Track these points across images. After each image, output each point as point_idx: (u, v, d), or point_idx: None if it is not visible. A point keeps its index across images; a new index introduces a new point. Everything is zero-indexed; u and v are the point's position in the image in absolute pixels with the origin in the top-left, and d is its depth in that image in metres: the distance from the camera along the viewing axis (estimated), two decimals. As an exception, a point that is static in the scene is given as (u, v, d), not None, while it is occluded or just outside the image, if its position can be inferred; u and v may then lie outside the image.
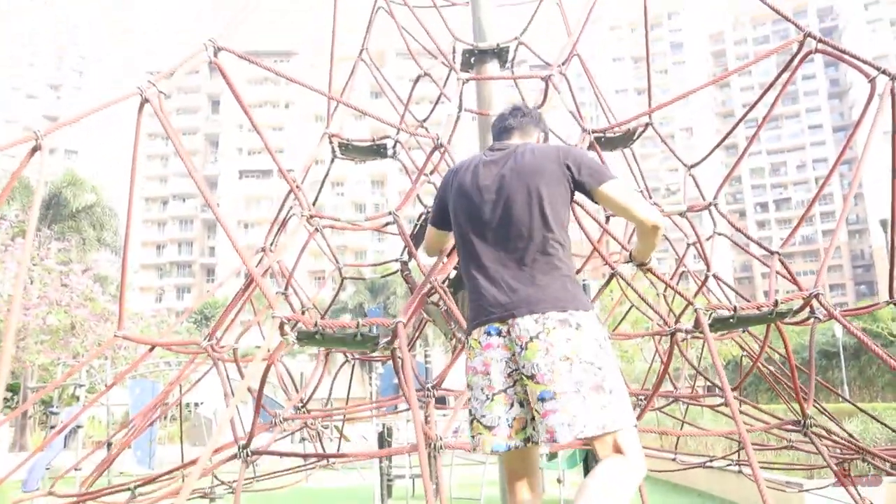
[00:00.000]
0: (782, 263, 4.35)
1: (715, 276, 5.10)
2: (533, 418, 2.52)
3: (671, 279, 5.96)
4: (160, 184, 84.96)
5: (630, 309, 7.18)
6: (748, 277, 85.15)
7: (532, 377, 2.44)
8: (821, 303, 3.28)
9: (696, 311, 3.29)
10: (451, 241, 3.04)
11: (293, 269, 4.87)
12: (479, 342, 2.58)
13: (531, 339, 2.46)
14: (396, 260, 5.03)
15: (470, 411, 2.62)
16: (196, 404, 23.00)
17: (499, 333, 2.55)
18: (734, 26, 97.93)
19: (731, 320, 3.36)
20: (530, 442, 2.55)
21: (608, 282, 4.64)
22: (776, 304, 3.31)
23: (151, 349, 3.96)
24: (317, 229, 3.96)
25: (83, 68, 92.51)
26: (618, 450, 2.39)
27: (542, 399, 2.41)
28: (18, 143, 3.14)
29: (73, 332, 23.47)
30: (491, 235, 2.64)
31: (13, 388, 24.78)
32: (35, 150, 2.94)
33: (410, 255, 4.57)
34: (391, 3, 5.22)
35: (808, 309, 3.44)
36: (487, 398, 2.55)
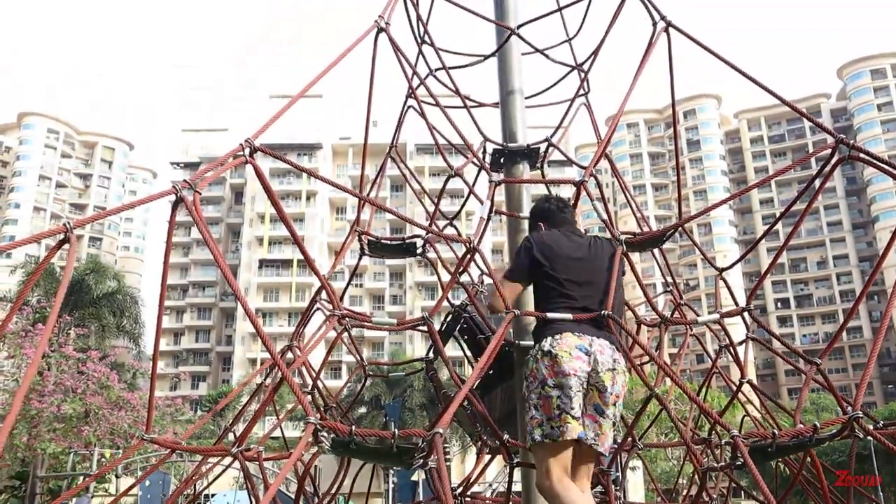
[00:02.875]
0: (822, 375, 4.22)
1: (750, 383, 4.96)
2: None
3: (704, 382, 5.81)
4: (181, 272, 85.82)
5: (658, 415, 6.96)
6: (771, 374, 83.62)
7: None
8: (861, 426, 3.15)
9: (733, 438, 3.16)
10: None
11: (321, 368, 4.80)
12: (571, 354, 3.34)
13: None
14: (422, 359, 4.98)
15: (559, 406, 3.27)
16: (207, 496, 22.48)
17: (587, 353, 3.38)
18: (749, 125, 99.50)
19: (770, 450, 3.23)
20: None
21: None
22: (815, 429, 3.18)
23: (171, 452, 3.86)
24: (345, 329, 3.90)
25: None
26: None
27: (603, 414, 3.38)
28: (49, 235, 3.14)
29: (87, 420, 23.22)
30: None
31: (21, 476, 24.35)
32: (64, 241, 2.93)
33: (437, 354, 4.50)
34: (421, 102, 5.30)
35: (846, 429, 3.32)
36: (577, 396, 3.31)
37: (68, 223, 2.85)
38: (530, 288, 3.75)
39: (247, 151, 3.35)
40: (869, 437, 3.37)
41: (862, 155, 3.73)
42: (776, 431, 3.25)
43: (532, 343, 3.60)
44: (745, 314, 4.47)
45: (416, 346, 64.30)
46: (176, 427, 28.46)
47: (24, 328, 21.92)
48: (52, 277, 28.20)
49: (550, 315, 3.47)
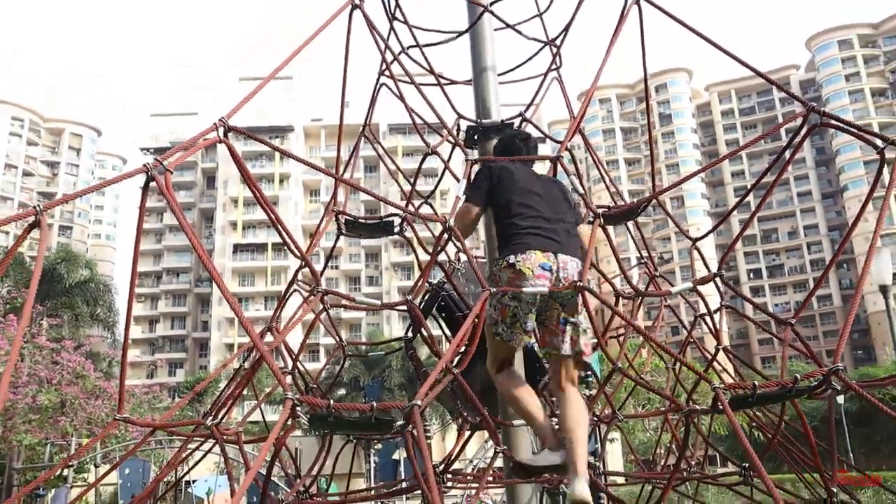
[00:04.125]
0: (796, 334, 4.30)
1: (725, 350, 5.03)
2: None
3: (680, 352, 5.89)
4: (154, 259, 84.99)
5: (634, 388, 7.06)
6: (745, 344, 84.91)
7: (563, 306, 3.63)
8: (842, 378, 3.21)
9: (714, 389, 3.22)
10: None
11: (300, 349, 4.79)
12: (533, 272, 3.57)
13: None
14: (401, 339, 5.00)
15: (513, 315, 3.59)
16: (188, 482, 22.42)
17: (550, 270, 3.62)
18: (720, 98, 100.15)
19: (751, 399, 3.29)
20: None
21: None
22: (796, 381, 3.25)
23: (152, 431, 3.84)
24: (325, 308, 3.89)
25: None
26: None
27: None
28: (17, 219, 3.09)
29: (63, 410, 23.03)
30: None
31: (-3, 469, 24.13)
32: (34, 225, 2.88)
33: (416, 333, 4.53)
34: (395, 80, 5.26)
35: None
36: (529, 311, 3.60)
37: (38, 206, 2.80)
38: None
39: (220, 131, 3.31)
40: (841, 403, 3.43)
41: (833, 122, 3.77)
42: (756, 383, 3.31)
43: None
44: (718, 280, 4.52)
45: (394, 327, 64.26)
46: (154, 414, 28.31)
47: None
48: (20, 267, 27.77)
49: (516, 228, 3.70)
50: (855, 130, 3.79)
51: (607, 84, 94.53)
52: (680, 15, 4.52)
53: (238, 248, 78.57)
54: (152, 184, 3.13)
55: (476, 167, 4.10)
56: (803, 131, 3.94)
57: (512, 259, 3.60)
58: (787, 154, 4.31)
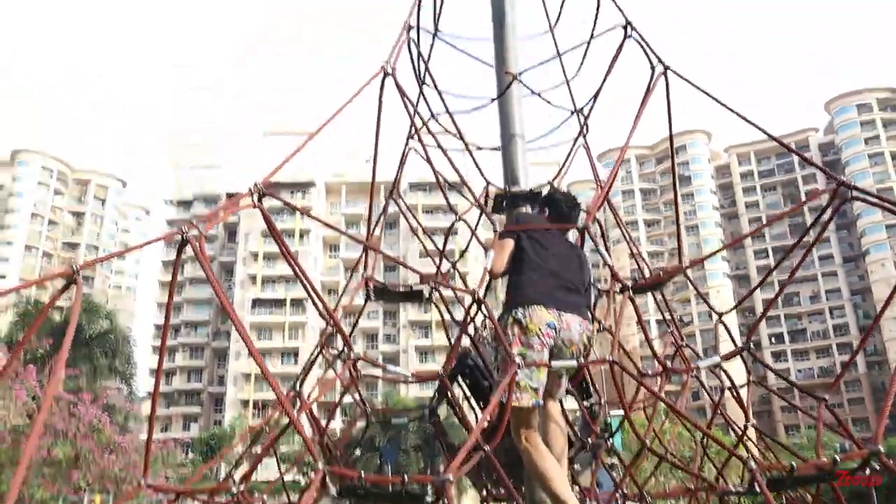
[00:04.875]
0: (830, 411, 4.20)
1: (755, 427, 4.93)
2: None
3: (707, 425, 5.77)
4: (173, 312, 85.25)
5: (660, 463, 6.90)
6: (767, 411, 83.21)
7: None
8: (883, 461, 3.12)
9: (751, 471, 3.14)
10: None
11: (330, 415, 4.74)
12: (541, 330, 3.69)
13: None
14: (425, 407, 4.95)
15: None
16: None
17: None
18: (739, 160, 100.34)
19: (788, 481, 3.21)
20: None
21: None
22: (835, 462, 3.16)
23: (177, 498, 3.79)
24: (353, 378, 3.87)
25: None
26: None
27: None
28: (55, 277, 3.12)
29: (77, 464, 22.82)
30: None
31: (9, 524, 23.84)
32: (70, 283, 2.91)
33: (441, 402, 4.49)
34: (423, 144, 5.32)
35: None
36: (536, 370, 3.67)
37: (74, 265, 2.83)
38: None
39: (255, 197, 3.35)
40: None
41: (865, 196, 3.75)
42: (794, 464, 3.23)
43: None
44: (745, 353, 4.46)
45: (411, 387, 63.75)
46: (168, 470, 28.02)
47: (14, 369, 21.62)
48: (45, 318, 27.90)
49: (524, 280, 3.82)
50: (887, 205, 3.76)
51: (628, 145, 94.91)
52: (700, 76, 4.58)
53: (256, 303, 78.63)
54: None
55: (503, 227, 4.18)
56: (833, 206, 3.92)
57: (518, 314, 3.71)
58: (818, 225, 4.28)
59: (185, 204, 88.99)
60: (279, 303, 78.27)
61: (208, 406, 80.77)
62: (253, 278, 79.65)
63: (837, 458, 3.17)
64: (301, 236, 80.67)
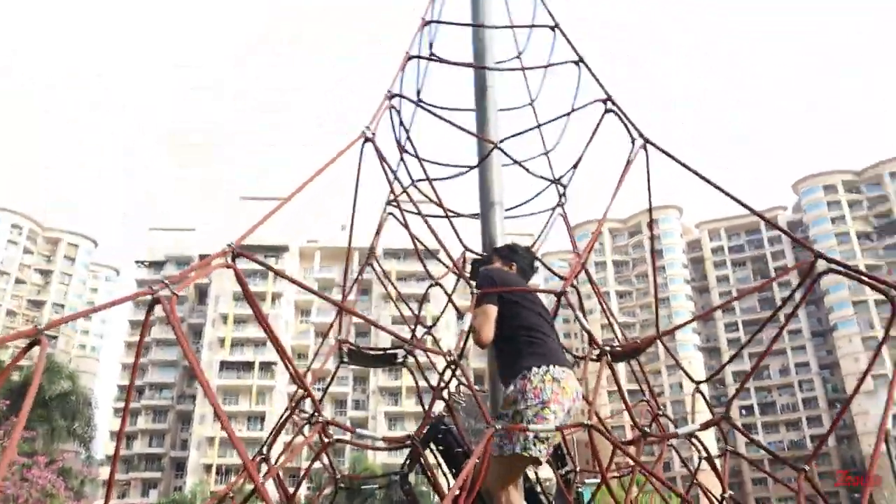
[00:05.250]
0: (810, 482, 4.14)
1: (732, 498, 4.84)
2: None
3: (687, 493, 5.67)
4: (138, 373, 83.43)
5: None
6: (738, 482, 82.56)
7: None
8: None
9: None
10: None
11: (300, 481, 4.58)
12: (569, 394, 3.65)
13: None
14: (396, 473, 4.81)
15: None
16: None
17: None
18: (710, 235, 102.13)
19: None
20: None
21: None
22: (816, 539, 3.10)
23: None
24: (328, 442, 3.75)
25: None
26: None
27: None
28: (19, 337, 3.00)
29: (29, 532, 21.90)
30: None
31: None
32: (33, 344, 2.81)
33: (412, 470, 4.36)
34: (402, 210, 5.31)
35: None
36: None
37: (39, 324, 2.74)
38: None
39: (229, 258, 3.29)
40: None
41: (841, 269, 3.79)
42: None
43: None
44: (722, 423, 4.41)
45: (379, 454, 62.62)
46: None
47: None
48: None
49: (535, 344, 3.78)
50: (864, 278, 3.79)
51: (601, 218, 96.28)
52: (673, 152, 4.63)
53: (224, 365, 77.22)
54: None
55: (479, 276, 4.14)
56: (811, 278, 3.95)
57: (558, 373, 3.63)
58: (796, 297, 4.30)
59: (157, 265, 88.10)
60: (248, 366, 77.02)
61: (169, 471, 78.39)
62: (221, 341, 78.46)
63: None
64: (273, 300, 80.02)
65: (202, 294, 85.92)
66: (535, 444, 3.56)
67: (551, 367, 3.65)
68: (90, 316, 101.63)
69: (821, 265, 3.88)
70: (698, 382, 5.15)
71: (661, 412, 5.37)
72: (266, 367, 75.31)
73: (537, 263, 5.08)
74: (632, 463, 4.54)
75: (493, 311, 3.85)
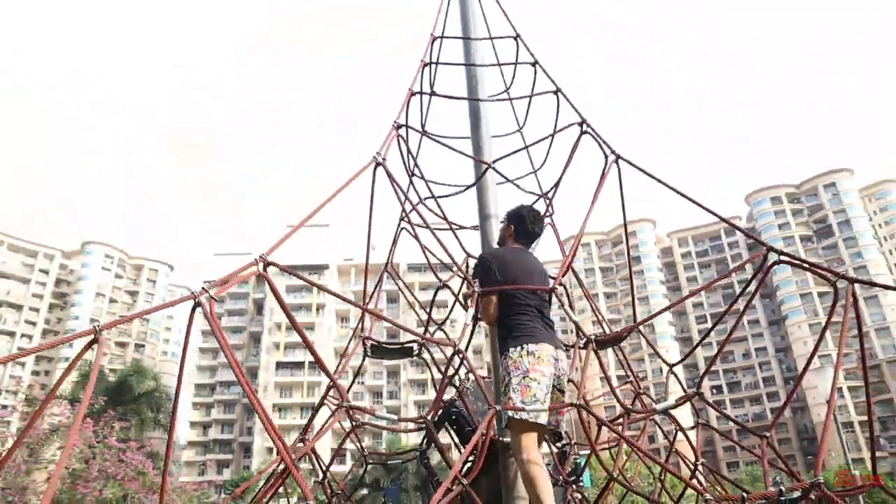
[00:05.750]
0: (772, 448, 3.93)
1: (704, 464, 4.63)
2: None
3: (665, 463, 5.45)
4: (210, 373, 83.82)
5: (625, 496, 6.51)
6: (711, 451, 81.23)
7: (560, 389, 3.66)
8: (823, 492, 2.86)
9: (706, 501, 2.86)
10: None
11: (332, 458, 4.43)
12: (547, 360, 3.54)
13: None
14: (416, 449, 4.65)
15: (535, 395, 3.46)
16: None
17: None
18: (679, 243, 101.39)
19: (740, 511, 2.93)
20: None
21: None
22: (781, 493, 2.89)
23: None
24: (356, 425, 3.60)
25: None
26: None
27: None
28: (81, 336, 2.85)
29: (125, 503, 21.92)
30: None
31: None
32: (93, 342, 2.67)
33: (430, 445, 4.20)
34: (413, 225, 5.16)
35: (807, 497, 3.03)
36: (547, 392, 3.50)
37: (97, 325, 2.61)
38: None
39: (260, 266, 3.16)
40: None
41: (790, 259, 3.61)
42: (744, 495, 2.95)
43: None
44: (696, 399, 4.21)
45: (411, 435, 62.29)
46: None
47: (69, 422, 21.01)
48: (100, 378, 27.25)
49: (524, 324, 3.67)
50: (811, 267, 3.61)
51: (588, 231, 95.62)
52: (643, 166, 4.45)
53: (279, 365, 77.51)
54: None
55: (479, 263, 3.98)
56: (763, 269, 3.76)
57: (530, 347, 3.58)
58: (752, 287, 4.10)
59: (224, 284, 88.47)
60: (298, 365, 77.14)
61: (238, 454, 78.38)
62: (277, 345, 78.66)
63: (783, 488, 2.90)
64: (317, 310, 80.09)
65: (259, 307, 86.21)
66: (529, 412, 3.42)
67: (526, 344, 3.58)
68: (168, 328, 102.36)
69: (772, 257, 3.69)
70: (672, 364, 4.94)
71: (642, 392, 5.17)
72: (314, 365, 75.20)
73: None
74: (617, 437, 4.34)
75: (491, 300, 3.82)
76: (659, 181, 4.19)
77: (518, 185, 5.34)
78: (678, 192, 4.12)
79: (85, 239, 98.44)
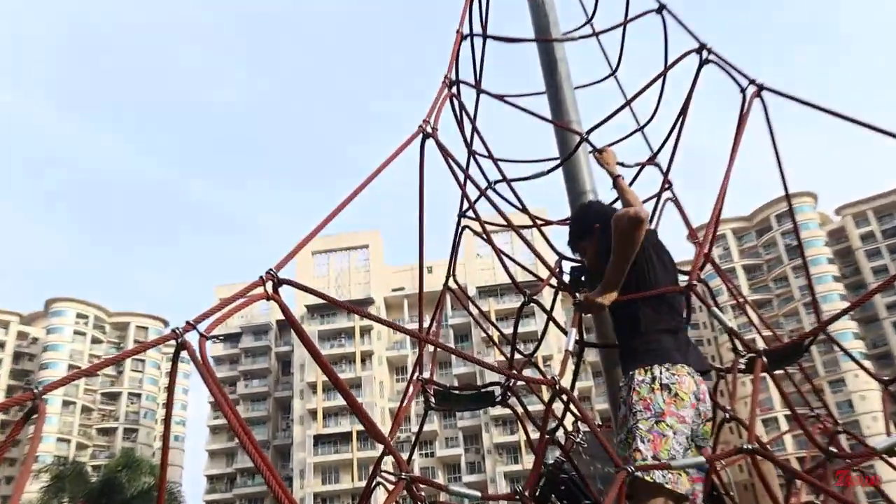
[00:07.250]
0: None
1: None
2: None
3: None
4: (227, 460, 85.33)
5: None
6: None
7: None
8: None
9: None
10: None
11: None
12: (687, 400, 3.28)
13: None
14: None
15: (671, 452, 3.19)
16: None
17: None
18: (856, 221, 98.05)
19: None
20: None
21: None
22: None
23: None
24: (414, 499, 3.44)
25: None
26: None
27: None
28: (15, 403, 2.71)
29: None
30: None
31: None
32: (30, 413, 2.52)
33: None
34: (480, 220, 4.99)
35: None
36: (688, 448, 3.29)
37: (36, 388, 2.50)
38: None
39: (269, 286, 3.02)
40: None
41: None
42: None
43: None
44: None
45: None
46: None
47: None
48: (80, 478, 28.04)
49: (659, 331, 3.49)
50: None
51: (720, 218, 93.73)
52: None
53: (319, 440, 77.80)
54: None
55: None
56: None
57: (666, 379, 3.33)
58: None
59: (234, 337, 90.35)
60: (345, 437, 77.22)
61: (271, 517, 79.31)
62: (313, 413, 79.20)
63: None
64: (363, 360, 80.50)
65: (285, 364, 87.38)
66: (665, 473, 3.18)
67: (654, 367, 3.36)
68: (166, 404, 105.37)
69: None
70: (888, 382, 4.57)
71: (839, 430, 4.85)
72: (366, 437, 75.28)
73: None
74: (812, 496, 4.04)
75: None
76: (837, 114, 3.91)
77: (622, 163, 5.05)
78: (874, 128, 3.82)
79: (49, 296, 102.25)
